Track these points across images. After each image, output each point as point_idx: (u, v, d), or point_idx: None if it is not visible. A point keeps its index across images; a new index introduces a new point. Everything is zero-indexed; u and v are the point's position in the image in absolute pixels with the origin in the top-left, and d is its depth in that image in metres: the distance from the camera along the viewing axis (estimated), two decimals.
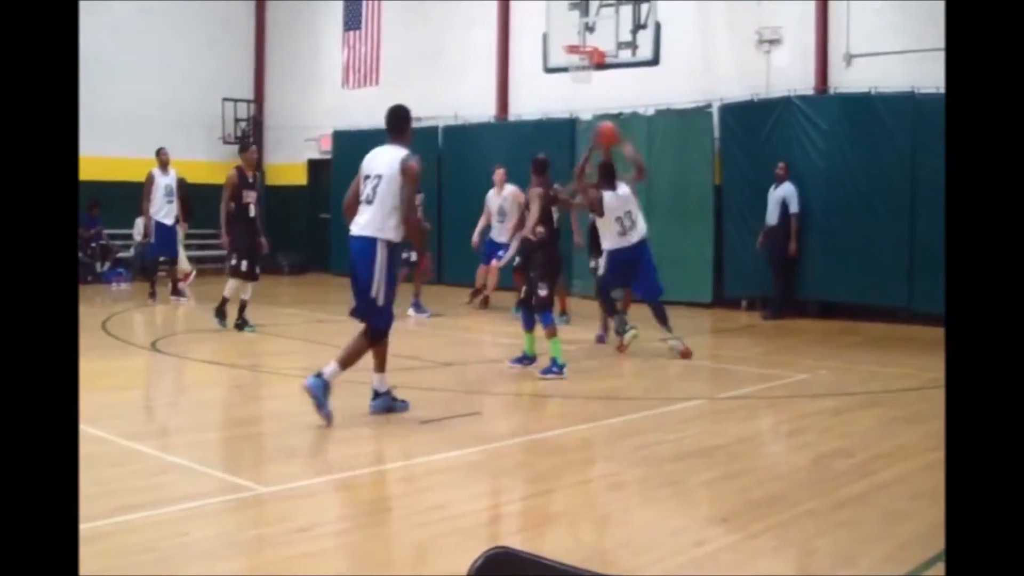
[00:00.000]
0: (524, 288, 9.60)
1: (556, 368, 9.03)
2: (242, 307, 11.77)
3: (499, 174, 14.12)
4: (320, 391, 6.89)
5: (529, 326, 9.47)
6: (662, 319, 10.50)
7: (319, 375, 6.94)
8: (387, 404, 7.28)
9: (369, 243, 7.02)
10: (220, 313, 11.88)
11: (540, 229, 9.19)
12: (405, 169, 7.03)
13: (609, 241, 10.51)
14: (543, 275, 9.24)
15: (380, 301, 7.04)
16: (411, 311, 13.63)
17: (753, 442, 7.00)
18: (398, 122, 7.32)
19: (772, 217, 13.88)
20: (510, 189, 13.86)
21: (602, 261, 10.71)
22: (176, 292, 15.46)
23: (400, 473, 5.96)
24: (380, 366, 7.28)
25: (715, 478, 5.99)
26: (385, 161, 7.10)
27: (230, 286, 11.79)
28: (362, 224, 7.09)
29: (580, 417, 7.88)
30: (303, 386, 6.93)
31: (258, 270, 12.02)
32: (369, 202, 7.06)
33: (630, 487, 5.80)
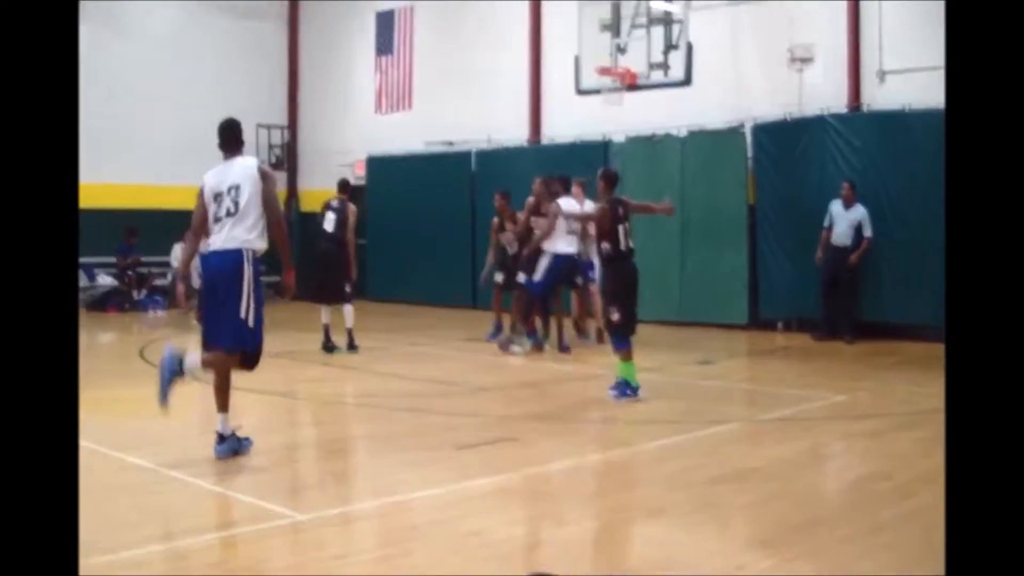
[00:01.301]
0: (610, 314, 9.13)
1: (630, 391, 9.01)
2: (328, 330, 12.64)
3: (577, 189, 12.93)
4: (230, 448, 6.78)
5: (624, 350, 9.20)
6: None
7: (222, 440, 6.79)
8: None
9: (235, 256, 6.65)
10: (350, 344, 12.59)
11: (605, 245, 9.16)
12: (265, 174, 6.82)
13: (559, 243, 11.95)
14: (612, 296, 9.18)
15: (251, 322, 6.66)
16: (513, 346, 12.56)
17: (791, 464, 6.93)
18: (235, 135, 7.11)
19: (844, 238, 13.57)
20: (588, 205, 12.10)
21: (544, 264, 11.99)
22: None
23: (437, 499, 5.94)
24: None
25: (753, 501, 5.95)
26: (239, 172, 6.81)
27: None
28: (225, 237, 6.70)
29: (617, 441, 7.86)
30: (219, 457, 6.74)
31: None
32: (231, 214, 6.69)
33: (668, 511, 5.76)
